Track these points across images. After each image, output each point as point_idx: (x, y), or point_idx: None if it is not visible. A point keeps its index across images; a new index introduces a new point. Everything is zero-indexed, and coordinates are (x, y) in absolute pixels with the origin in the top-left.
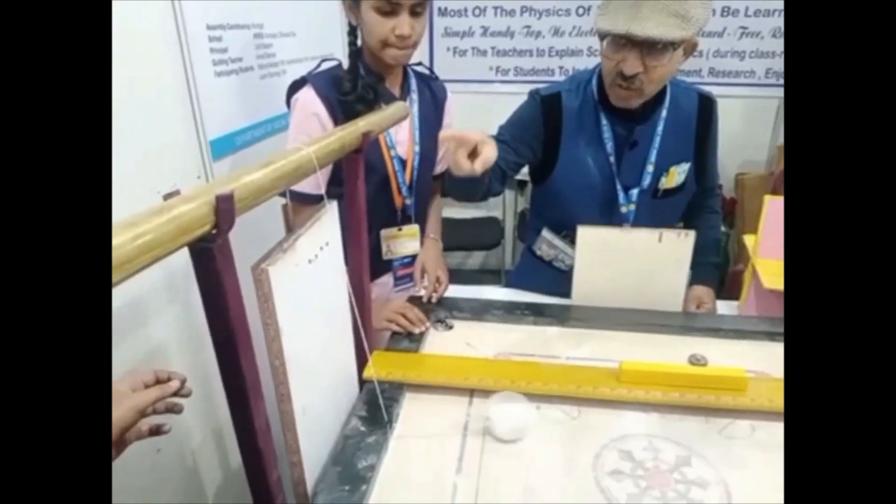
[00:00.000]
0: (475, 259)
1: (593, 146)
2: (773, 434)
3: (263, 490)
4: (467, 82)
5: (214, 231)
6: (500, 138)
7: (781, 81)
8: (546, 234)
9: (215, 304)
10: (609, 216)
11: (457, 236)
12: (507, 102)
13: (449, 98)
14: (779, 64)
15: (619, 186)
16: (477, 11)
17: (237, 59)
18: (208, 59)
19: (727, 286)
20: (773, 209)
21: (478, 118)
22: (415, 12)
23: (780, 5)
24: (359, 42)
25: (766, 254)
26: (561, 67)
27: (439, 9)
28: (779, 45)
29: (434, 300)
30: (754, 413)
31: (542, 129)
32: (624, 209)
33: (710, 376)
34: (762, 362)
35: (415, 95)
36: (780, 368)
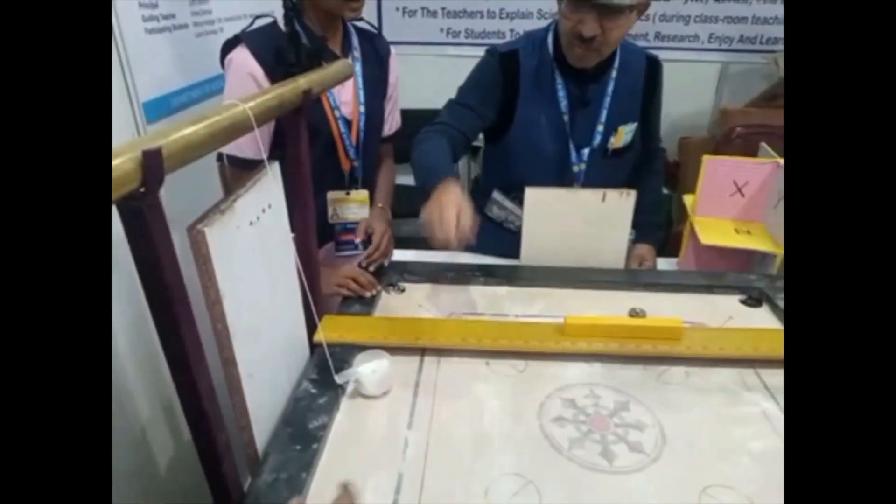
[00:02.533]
0: None
1: (547, 106)
2: (706, 378)
3: (211, 453)
4: (417, 44)
5: (143, 189)
6: (464, 103)
7: (724, 46)
8: (496, 195)
9: (149, 265)
10: (560, 176)
11: (409, 203)
12: (457, 65)
13: (392, 54)
14: (721, 28)
15: (571, 146)
16: None
17: (169, 15)
18: (137, 15)
19: (670, 245)
20: (710, 169)
21: (428, 80)
22: None
23: None
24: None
25: (703, 211)
26: (512, 30)
27: None
28: (721, 9)
29: (371, 268)
30: (689, 360)
31: (501, 83)
32: (575, 168)
33: (648, 327)
34: (698, 313)
35: (357, 53)
36: (715, 318)
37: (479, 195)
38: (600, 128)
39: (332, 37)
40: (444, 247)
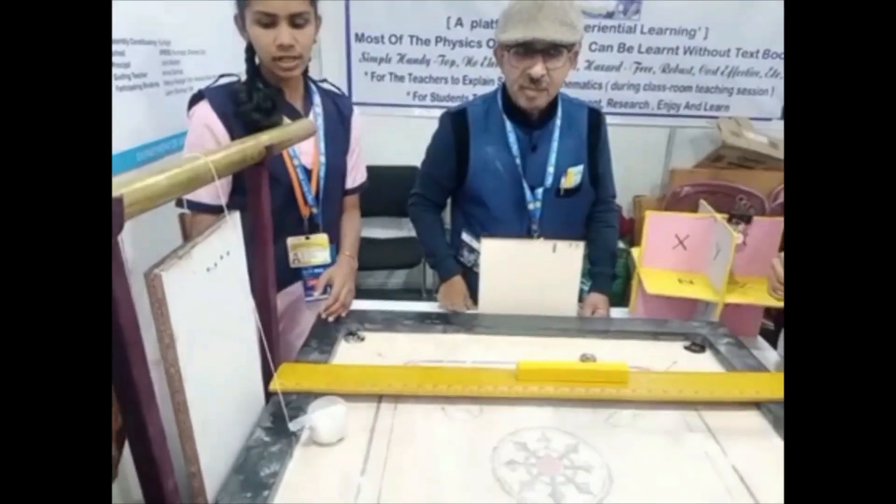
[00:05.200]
0: (397, 279)
1: (501, 150)
2: (652, 420)
3: (158, 499)
4: (386, 106)
5: None
6: (429, 173)
7: (671, 112)
8: (465, 236)
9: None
10: (519, 213)
11: (378, 256)
12: (424, 126)
13: (355, 113)
14: (669, 96)
15: (525, 185)
16: (393, 39)
17: (140, 74)
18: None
19: (627, 296)
20: (653, 223)
21: (397, 140)
22: (295, 24)
23: (671, 43)
24: (257, 60)
25: (648, 262)
26: (474, 94)
27: (356, 35)
28: (668, 79)
29: (330, 319)
30: (635, 403)
31: (452, 142)
32: (531, 206)
33: (596, 371)
34: (644, 358)
35: (318, 109)
36: (659, 363)
37: (452, 244)
38: (550, 169)
39: (291, 92)
40: None
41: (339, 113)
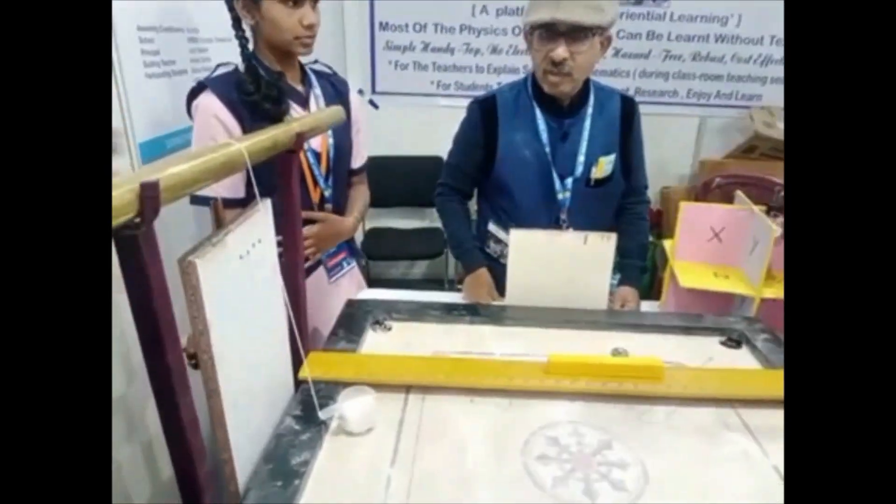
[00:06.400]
0: (418, 269)
1: (530, 139)
2: (687, 417)
3: (192, 485)
4: (409, 95)
5: (138, 219)
6: (456, 163)
7: (702, 101)
8: (492, 227)
9: (140, 294)
10: (548, 203)
11: (400, 246)
12: (448, 116)
13: (352, 91)
14: (699, 85)
15: (555, 175)
16: (418, 27)
17: (169, 61)
18: (139, 60)
19: (653, 290)
20: (688, 214)
21: (420, 130)
22: (315, 2)
23: (702, 30)
24: (250, 46)
25: (682, 256)
26: (499, 83)
27: (381, 23)
28: (698, 67)
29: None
30: (670, 399)
31: (480, 131)
32: (560, 196)
33: (630, 366)
34: (678, 354)
35: (318, 91)
36: (695, 358)
37: (478, 235)
38: (581, 158)
39: (290, 75)
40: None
41: (336, 92)
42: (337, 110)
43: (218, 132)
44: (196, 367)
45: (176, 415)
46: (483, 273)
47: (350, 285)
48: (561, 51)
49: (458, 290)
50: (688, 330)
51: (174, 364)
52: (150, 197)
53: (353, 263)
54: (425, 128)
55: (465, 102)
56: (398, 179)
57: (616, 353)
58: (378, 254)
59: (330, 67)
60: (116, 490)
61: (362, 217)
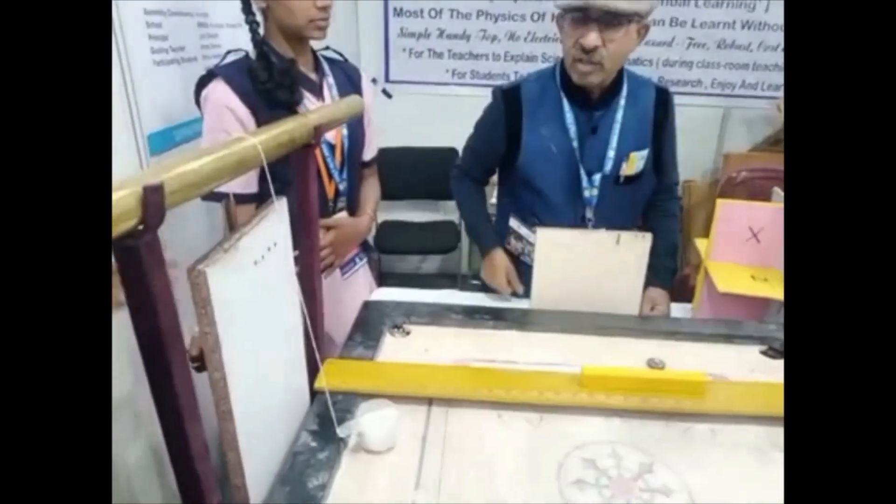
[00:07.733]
0: (431, 263)
1: (557, 132)
2: (733, 436)
3: None
4: (424, 84)
5: (141, 227)
6: (474, 147)
7: (726, 91)
8: (513, 222)
9: (143, 309)
10: (573, 200)
11: (413, 239)
12: (463, 105)
13: (363, 77)
14: (723, 74)
15: (582, 171)
16: (433, 13)
17: (178, 47)
18: (146, 46)
19: (676, 289)
20: (725, 213)
21: (435, 120)
22: None
23: (727, 17)
24: (261, 31)
25: (718, 257)
26: (516, 72)
27: (395, 9)
28: (723, 56)
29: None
30: (713, 416)
31: (503, 122)
32: (587, 193)
33: (671, 380)
34: (718, 365)
35: (330, 79)
36: (736, 370)
37: (499, 224)
38: (611, 153)
39: (301, 59)
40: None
41: (348, 79)
42: (356, 101)
43: (231, 124)
44: (199, 370)
45: (184, 445)
46: (500, 255)
47: (364, 282)
48: (593, 37)
49: (474, 286)
50: (727, 338)
51: (181, 388)
52: (152, 202)
53: (365, 259)
54: (440, 118)
55: (481, 91)
56: (412, 171)
57: (652, 363)
58: (391, 248)
59: (341, 54)
60: (125, 493)
61: (375, 214)
